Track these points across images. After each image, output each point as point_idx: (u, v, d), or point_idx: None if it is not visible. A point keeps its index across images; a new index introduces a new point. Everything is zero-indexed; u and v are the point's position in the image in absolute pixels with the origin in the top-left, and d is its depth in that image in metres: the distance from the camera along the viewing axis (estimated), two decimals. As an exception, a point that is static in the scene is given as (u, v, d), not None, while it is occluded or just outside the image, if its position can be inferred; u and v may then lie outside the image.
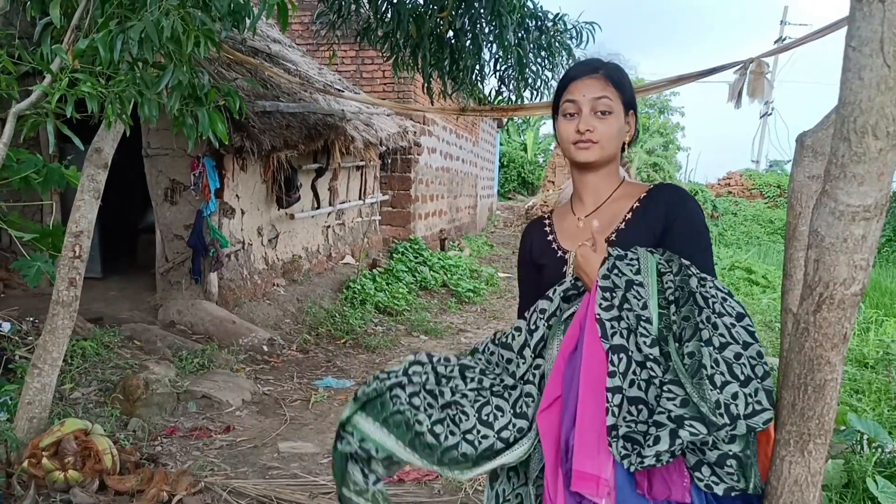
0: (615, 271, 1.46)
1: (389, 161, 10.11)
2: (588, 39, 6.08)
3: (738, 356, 1.36)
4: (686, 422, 1.31)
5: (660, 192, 1.65)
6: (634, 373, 1.38)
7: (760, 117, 25.40)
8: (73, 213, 3.79)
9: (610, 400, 1.37)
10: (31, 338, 4.68)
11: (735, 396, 1.33)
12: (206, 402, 4.69)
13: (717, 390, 1.33)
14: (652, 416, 1.35)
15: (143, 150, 6.12)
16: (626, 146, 1.71)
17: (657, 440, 1.31)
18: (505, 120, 20.97)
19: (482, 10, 5.51)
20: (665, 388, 1.35)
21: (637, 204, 1.64)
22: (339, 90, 7.84)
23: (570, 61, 6.28)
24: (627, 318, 1.42)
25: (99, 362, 4.80)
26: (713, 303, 1.41)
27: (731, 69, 3.34)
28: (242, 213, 6.54)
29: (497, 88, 6.36)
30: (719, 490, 1.35)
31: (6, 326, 4.68)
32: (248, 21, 3.67)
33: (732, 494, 1.36)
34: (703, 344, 1.36)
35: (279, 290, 7.13)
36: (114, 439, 3.70)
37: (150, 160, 6.13)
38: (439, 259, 10.41)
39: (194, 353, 5.28)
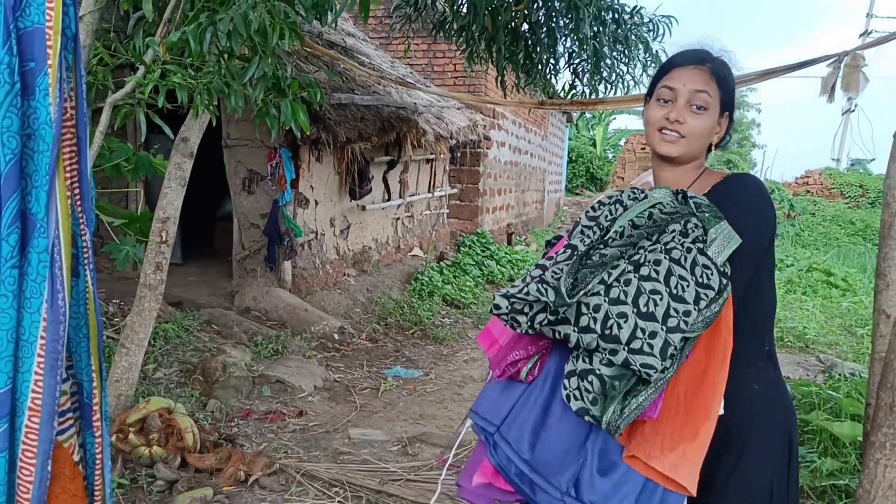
0: (618, 194, 1.50)
1: (459, 154, 10.14)
2: (665, 33, 5.97)
3: (654, 292, 1.31)
4: (543, 284, 1.33)
5: (731, 181, 1.58)
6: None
7: (842, 114, 24.40)
8: (160, 200, 3.94)
9: (529, 272, 1.43)
10: (116, 319, 4.90)
11: (622, 317, 1.29)
12: (280, 386, 4.82)
13: (606, 298, 1.31)
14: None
15: (223, 141, 6.30)
16: (713, 147, 1.64)
17: (514, 287, 1.38)
18: (575, 115, 20.75)
19: (558, 3, 5.47)
20: (559, 265, 1.38)
21: (707, 191, 1.57)
22: (411, 83, 7.91)
23: (647, 55, 6.18)
24: (593, 227, 1.47)
25: (179, 344, 4.99)
26: (673, 248, 1.35)
27: (824, 62, 3.22)
28: (316, 203, 6.67)
29: (571, 82, 6.31)
30: (574, 406, 1.34)
31: (95, 307, 4.90)
32: (330, 14, 3.75)
33: (586, 419, 1.34)
34: (624, 259, 1.36)
35: (349, 280, 7.25)
36: (194, 419, 3.84)
37: (229, 150, 6.31)
38: (506, 253, 10.40)
39: (269, 339, 5.43)
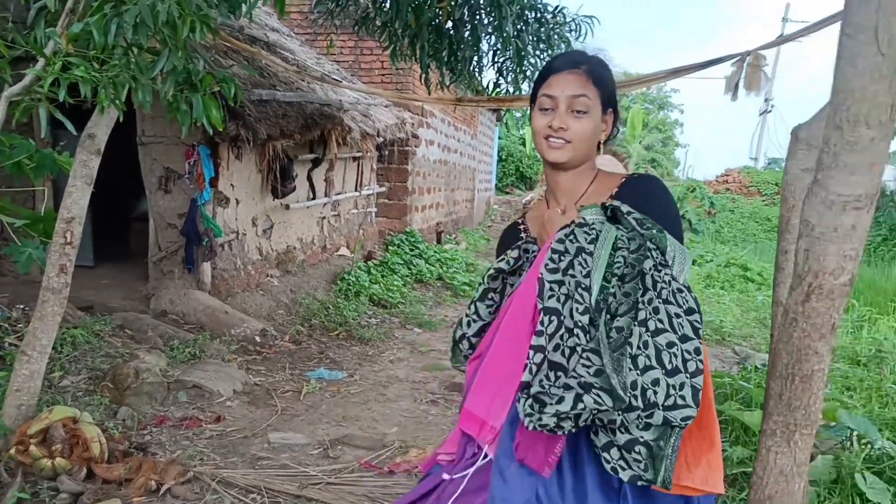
0: (571, 237, 1.43)
1: (387, 153, 10.08)
2: (587, 33, 6.06)
3: (671, 345, 1.29)
4: (594, 390, 1.26)
5: (633, 184, 1.59)
6: (562, 338, 1.34)
7: (760, 115, 25.41)
8: (64, 199, 3.76)
9: (531, 357, 1.34)
10: (20, 325, 4.66)
11: (656, 383, 1.27)
12: (197, 391, 4.67)
13: (637, 371, 1.28)
14: (562, 376, 1.32)
15: (138, 138, 6.08)
16: (601, 145, 1.66)
17: (560, 400, 1.28)
18: (503, 114, 20.93)
19: (482, 1, 5.48)
20: (584, 355, 1.31)
21: (615, 193, 1.59)
22: (336, 80, 7.81)
23: (569, 55, 6.26)
24: (569, 283, 1.37)
25: (89, 350, 4.78)
26: (661, 288, 1.34)
27: (729, 62, 3.32)
28: (237, 202, 6.51)
29: (495, 80, 6.34)
30: (624, 476, 1.31)
31: (-3, 313, 4.66)
32: (244, 7, 3.65)
33: (639, 483, 1.31)
34: (635, 323, 1.31)
35: (273, 281, 7.11)
36: (102, 428, 3.68)
37: (144, 148, 6.09)
38: (435, 252, 10.39)
39: (186, 343, 5.26)
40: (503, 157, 26.08)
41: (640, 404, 1.26)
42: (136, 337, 5.26)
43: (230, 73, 4.49)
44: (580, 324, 1.33)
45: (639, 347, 1.30)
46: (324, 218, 8.58)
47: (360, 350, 6.28)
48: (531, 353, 1.35)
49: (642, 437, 1.28)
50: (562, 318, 1.35)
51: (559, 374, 1.32)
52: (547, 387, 1.31)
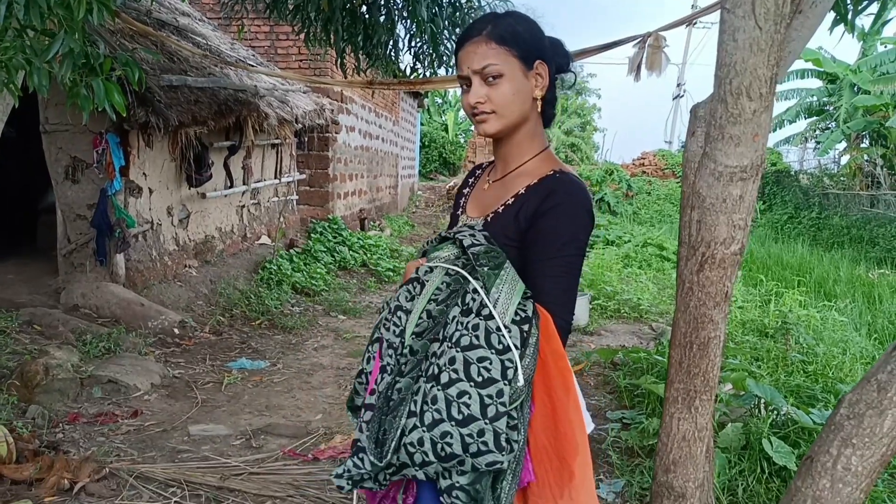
0: (399, 294, 1.47)
1: (306, 139, 9.93)
2: (502, 17, 6.11)
3: (461, 394, 1.29)
4: (360, 454, 1.36)
5: (547, 183, 1.50)
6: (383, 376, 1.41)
7: (673, 99, 26.20)
8: (-41, 190, 3.57)
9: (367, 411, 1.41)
10: (-83, 324, 4.41)
11: (446, 435, 1.29)
12: (113, 386, 4.53)
13: (424, 427, 1.31)
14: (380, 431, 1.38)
15: (41, 126, 5.81)
16: (541, 100, 1.54)
17: (362, 461, 1.36)
18: (425, 100, 20.90)
19: (395, -15, 5.46)
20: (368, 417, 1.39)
21: (523, 190, 1.52)
22: (250, 65, 7.64)
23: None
24: (391, 341, 1.43)
25: (-6, 348, 4.57)
26: (461, 335, 1.33)
27: (631, 43, 3.41)
28: (150, 191, 6.31)
29: (412, 65, 6.33)
30: None
31: None
32: (146, -12, 3.53)
33: None
34: (424, 378, 1.35)
35: (191, 272, 6.93)
36: (10, 427, 3.54)
37: (48, 136, 5.82)
38: (359, 239, 10.33)
39: (99, 337, 5.08)
40: (426, 143, 26.09)
41: (434, 459, 1.29)
42: (46, 333, 5.05)
43: (135, 57, 4.34)
44: (381, 387, 1.38)
45: (425, 403, 1.32)
46: (243, 206, 8.41)
47: (283, 339, 6.21)
48: (369, 403, 1.41)
49: (458, 483, 1.31)
50: (389, 372, 1.40)
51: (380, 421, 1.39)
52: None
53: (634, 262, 10.48)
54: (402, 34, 6.11)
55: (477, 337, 1.31)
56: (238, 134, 7.43)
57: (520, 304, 1.36)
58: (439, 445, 1.28)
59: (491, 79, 1.47)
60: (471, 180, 1.76)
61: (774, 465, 3.33)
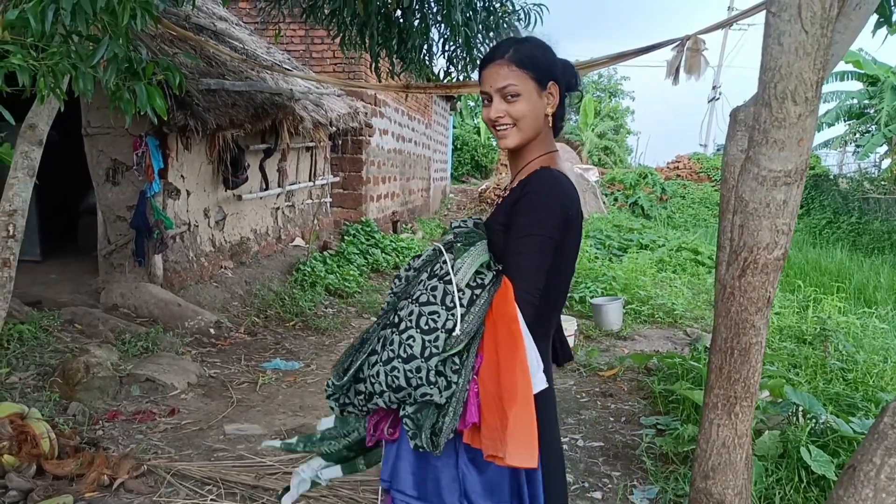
0: (404, 265, 1.81)
1: (340, 142, 10.01)
2: (536, 21, 6.10)
3: (409, 337, 1.59)
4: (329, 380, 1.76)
5: (530, 177, 1.73)
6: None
7: (708, 102, 25.88)
8: (6, 192, 3.67)
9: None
10: (-36, 322, 4.53)
11: (394, 370, 1.59)
12: (150, 385, 4.61)
13: (381, 363, 1.62)
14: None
15: (83, 129, 5.94)
16: (551, 116, 1.78)
17: (347, 395, 1.75)
18: (458, 103, 20.94)
19: (430, -11, 5.48)
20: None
21: (516, 184, 1.77)
22: (286, 69, 7.73)
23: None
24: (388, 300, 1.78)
25: (37, 346, 4.67)
26: (420, 294, 1.63)
27: (670, 46, 3.37)
28: (188, 193, 6.41)
29: (446, 69, 6.35)
30: (410, 444, 1.62)
31: (-62, 310, 4.52)
32: (186, -6, 3.59)
33: (419, 449, 1.60)
34: (388, 327, 1.66)
35: (227, 273, 7.02)
36: (53, 424, 3.62)
37: (90, 139, 5.95)
38: (391, 241, 10.38)
39: (138, 337, 5.18)
40: (458, 146, 26.10)
41: (385, 387, 1.60)
42: (87, 331, 5.15)
43: (175, 61, 4.41)
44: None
45: (386, 345, 1.62)
46: (278, 208, 8.50)
47: (316, 340, 6.26)
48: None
49: (407, 412, 1.60)
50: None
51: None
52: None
53: (669, 266, 10.37)
54: (435, 38, 6.13)
55: (434, 296, 1.61)
56: (274, 137, 7.52)
57: (478, 271, 1.63)
58: (389, 378, 1.59)
59: (510, 97, 1.71)
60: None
61: (813, 475, 3.27)
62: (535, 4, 6.08)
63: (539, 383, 1.60)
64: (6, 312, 3.68)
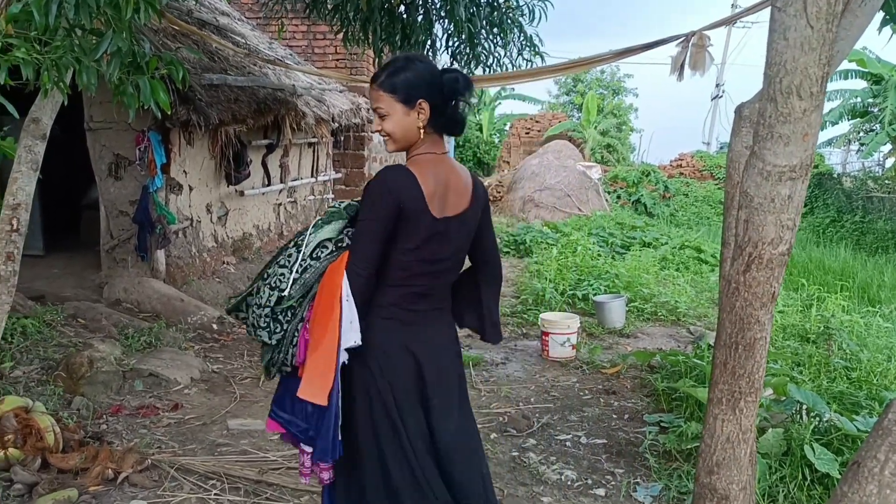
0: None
1: (342, 138, 10.01)
2: (541, 17, 6.08)
3: (263, 291, 2.06)
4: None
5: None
6: None
7: (712, 99, 25.82)
8: (9, 186, 3.67)
9: None
10: (-32, 316, 4.53)
11: (252, 313, 2.09)
12: (154, 380, 4.61)
13: (254, 304, 2.09)
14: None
15: (86, 124, 5.95)
16: (423, 128, 2.07)
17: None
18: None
19: (433, -15, 5.48)
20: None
21: None
22: (288, 64, 7.72)
23: (522, 39, 6.29)
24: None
25: (41, 340, 4.69)
26: (283, 258, 2.08)
27: (674, 42, 3.36)
28: (190, 189, 6.42)
29: (449, 65, 6.34)
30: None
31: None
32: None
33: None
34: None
35: (229, 268, 7.03)
36: (57, 417, 3.62)
37: (93, 134, 5.96)
38: (393, 237, 10.35)
39: (141, 332, 5.19)
40: (460, 143, 26.09)
41: (252, 325, 2.11)
42: (90, 326, 5.16)
43: (178, 56, 4.42)
44: None
45: (258, 292, 2.09)
46: (280, 204, 8.51)
47: (318, 336, 6.25)
48: None
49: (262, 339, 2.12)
50: None
51: None
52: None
53: (672, 264, 10.34)
54: (439, 34, 6.13)
55: (288, 261, 2.05)
56: (276, 132, 7.52)
57: (320, 244, 2.05)
58: (251, 317, 2.08)
59: (382, 116, 2.07)
60: None
61: (816, 473, 3.27)
62: (539, 0, 6.07)
63: (349, 341, 1.96)
64: (10, 307, 3.67)
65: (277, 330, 2.03)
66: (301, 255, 2.04)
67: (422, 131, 2.07)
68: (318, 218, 2.15)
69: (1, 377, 4.09)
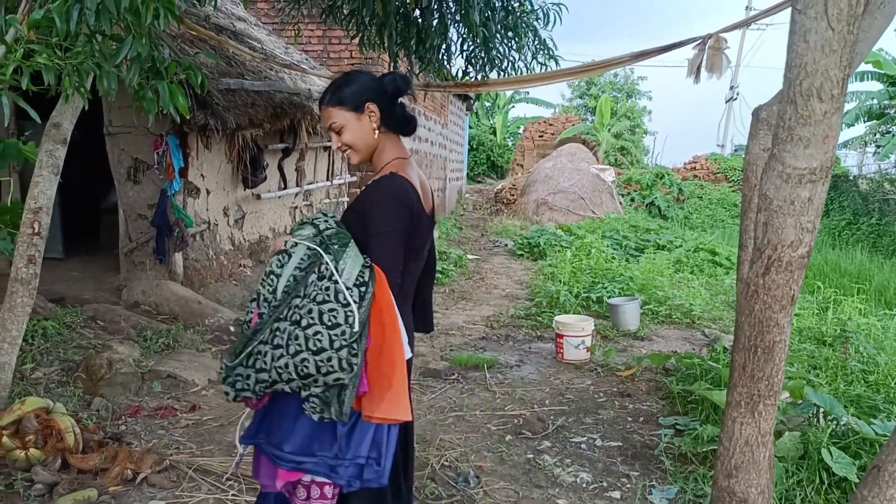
0: (272, 262, 2.01)
1: (357, 142, 10.04)
2: (555, 20, 6.08)
3: (316, 333, 1.85)
4: (266, 372, 1.92)
5: (372, 185, 2.11)
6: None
7: (726, 102, 25.72)
8: (31, 189, 3.72)
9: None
10: (-11, 318, 4.59)
11: (304, 361, 1.85)
12: (172, 381, 4.66)
13: (289, 355, 1.87)
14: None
15: (105, 128, 6.01)
16: (378, 130, 2.14)
17: (246, 382, 1.95)
18: (474, 103, 20.94)
19: (448, -11, 5.49)
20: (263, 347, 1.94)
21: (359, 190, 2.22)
22: (304, 68, 7.77)
23: (537, 43, 6.29)
24: (266, 296, 1.97)
25: (61, 342, 4.74)
26: (316, 294, 1.88)
27: (691, 45, 3.36)
28: (208, 192, 6.47)
29: (464, 69, 6.36)
30: (315, 417, 1.90)
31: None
32: (209, -5, 3.63)
33: (325, 419, 1.89)
34: (288, 323, 1.90)
35: (246, 271, 7.08)
36: (76, 418, 3.66)
37: (112, 138, 6.02)
38: (408, 241, 10.38)
39: (159, 334, 5.24)
40: (474, 146, 26.12)
41: (295, 376, 1.86)
42: (109, 328, 5.22)
43: (196, 61, 4.46)
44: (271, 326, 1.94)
45: (290, 340, 1.87)
46: (296, 207, 8.55)
47: (334, 338, 6.27)
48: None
49: (314, 392, 1.88)
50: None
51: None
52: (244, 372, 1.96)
53: (686, 267, 10.31)
54: (454, 38, 6.14)
55: (328, 295, 1.86)
56: (292, 136, 7.57)
57: (360, 271, 1.91)
58: (299, 368, 1.85)
59: (338, 132, 2.13)
60: None
61: (834, 477, 3.25)
62: (553, 4, 6.07)
63: (408, 352, 2.04)
64: (31, 308, 3.72)
65: (347, 367, 1.85)
66: (343, 285, 1.87)
67: (377, 132, 2.14)
68: (309, 235, 2.01)
69: (22, 378, 4.13)
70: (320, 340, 1.83)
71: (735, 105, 25.31)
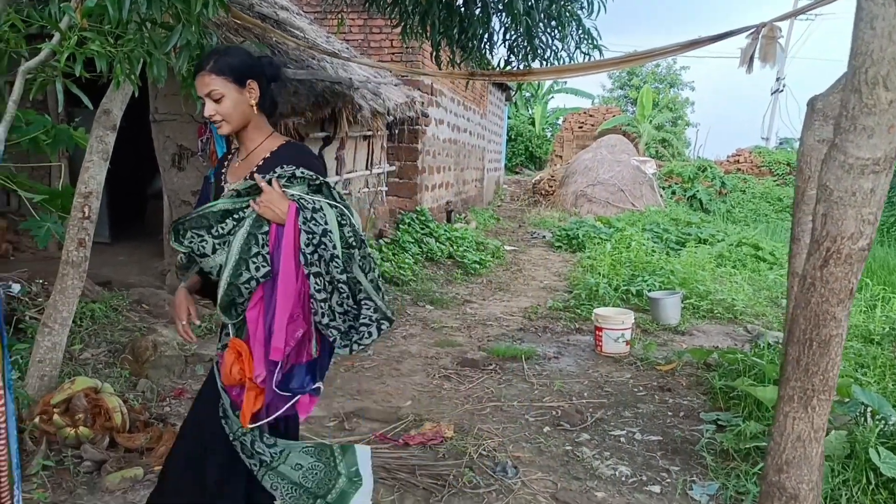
0: (313, 222, 2.02)
1: (397, 131, 10.07)
2: (599, 9, 6.01)
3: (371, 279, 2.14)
4: (382, 321, 2.11)
5: (285, 148, 2.24)
6: (330, 291, 2.02)
7: (771, 94, 25.15)
8: (81, 174, 3.80)
9: (321, 307, 2.02)
10: (40, 299, 4.72)
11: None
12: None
13: (384, 302, 2.14)
14: (358, 320, 2.08)
15: (151, 116, 6.11)
16: (256, 107, 2.21)
17: (370, 334, 2.08)
18: (513, 93, 20.83)
19: (492, -23, 5.46)
20: (363, 302, 2.09)
21: (269, 154, 2.22)
22: (346, 57, 7.79)
23: (580, 32, 6.22)
24: (323, 254, 2.00)
25: (108, 324, 4.85)
26: (353, 242, 2.10)
27: (744, 34, 3.29)
28: (250, 180, 6.53)
29: (506, 58, 6.31)
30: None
31: (16, 288, 4.72)
32: (256, -18, 3.65)
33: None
34: (361, 272, 2.10)
35: (286, 258, 7.14)
36: (123, 399, 3.75)
37: (157, 125, 6.12)
38: (445, 231, 10.41)
39: (202, 318, 5.30)
40: (512, 136, 25.99)
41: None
42: (154, 312, 5.32)
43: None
44: (341, 280, 2.03)
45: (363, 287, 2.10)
46: (335, 196, 8.59)
47: (372, 326, 6.31)
48: (319, 304, 2.02)
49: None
50: (325, 277, 2.01)
51: (345, 316, 2.07)
52: (345, 325, 2.07)
53: (728, 261, 10.14)
54: (497, 27, 6.10)
55: (357, 242, 2.12)
56: (333, 125, 7.60)
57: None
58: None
59: (215, 100, 2.14)
60: (225, 163, 2.47)
61: (882, 477, 3.18)
62: (598, -8, 6.00)
63: None
64: (81, 290, 3.81)
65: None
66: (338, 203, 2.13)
67: (254, 109, 2.20)
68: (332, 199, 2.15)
69: (71, 359, 4.24)
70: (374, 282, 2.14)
71: (781, 97, 24.75)
